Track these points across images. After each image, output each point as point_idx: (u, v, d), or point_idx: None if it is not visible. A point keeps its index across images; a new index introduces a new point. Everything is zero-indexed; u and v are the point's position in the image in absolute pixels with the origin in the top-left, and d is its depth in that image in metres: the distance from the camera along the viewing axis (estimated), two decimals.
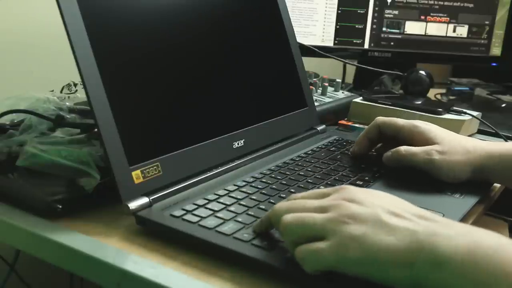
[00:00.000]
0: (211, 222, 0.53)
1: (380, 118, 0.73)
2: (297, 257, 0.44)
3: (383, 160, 0.70)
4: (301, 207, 0.47)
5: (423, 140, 0.68)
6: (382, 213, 0.44)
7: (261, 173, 0.66)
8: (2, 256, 0.79)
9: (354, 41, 1.20)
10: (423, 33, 1.21)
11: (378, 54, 1.21)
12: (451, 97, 1.30)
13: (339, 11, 1.17)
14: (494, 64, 1.26)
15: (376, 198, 0.46)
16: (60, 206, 0.55)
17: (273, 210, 0.49)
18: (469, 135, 0.93)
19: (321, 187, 0.63)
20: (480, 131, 0.95)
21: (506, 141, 0.87)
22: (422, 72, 1.09)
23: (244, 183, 0.62)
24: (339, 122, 0.94)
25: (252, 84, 0.75)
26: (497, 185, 0.72)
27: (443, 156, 0.65)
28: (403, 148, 0.68)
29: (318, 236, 0.44)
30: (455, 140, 0.67)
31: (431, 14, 1.20)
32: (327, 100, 0.96)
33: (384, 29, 1.20)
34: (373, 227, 0.43)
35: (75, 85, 0.79)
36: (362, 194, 0.46)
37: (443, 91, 1.34)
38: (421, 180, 0.68)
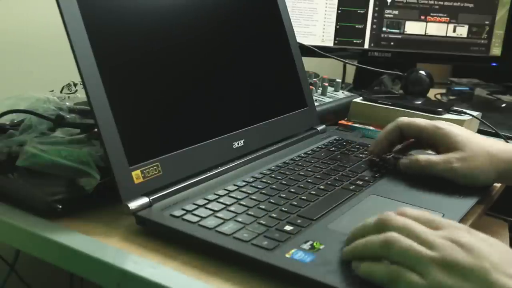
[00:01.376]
0: (211, 222, 0.53)
1: (402, 119, 0.71)
2: (383, 275, 0.43)
3: (400, 166, 0.69)
4: (411, 232, 0.44)
5: (446, 143, 0.66)
6: (491, 270, 0.40)
7: (261, 173, 0.66)
8: (2, 256, 0.79)
9: (354, 41, 1.20)
10: (423, 33, 1.21)
11: (378, 54, 1.21)
12: (451, 97, 1.30)
13: (339, 11, 1.17)
14: (494, 64, 1.26)
15: (487, 248, 0.42)
16: (60, 206, 0.56)
17: (384, 220, 0.46)
18: None
19: (321, 187, 0.63)
20: (480, 131, 0.95)
21: (506, 141, 0.87)
22: (422, 72, 1.09)
23: (244, 183, 0.62)
24: (339, 122, 0.94)
25: (252, 84, 0.75)
26: (497, 185, 0.72)
27: (465, 164, 0.63)
28: (422, 158, 0.66)
29: (415, 269, 0.42)
30: (478, 144, 0.65)
31: (431, 14, 1.20)
32: (327, 100, 0.96)
33: (384, 29, 1.20)
34: (476, 284, 0.39)
35: (75, 85, 0.79)
36: (474, 240, 0.43)
37: (443, 91, 1.34)
38: (421, 180, 0.68)
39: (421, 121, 0.69)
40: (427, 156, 0.67)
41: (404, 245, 0.43)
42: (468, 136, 0.66)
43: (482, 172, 0.64)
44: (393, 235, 0.44)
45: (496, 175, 0.64)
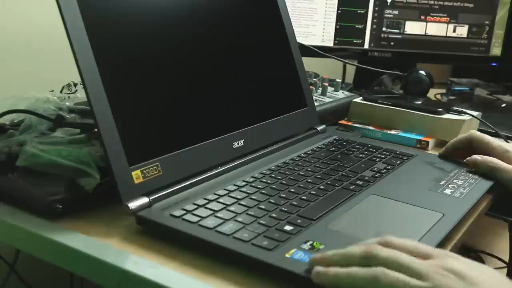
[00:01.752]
0: (211, 222, 0.53)
1: (475, 133, 0.75)
2: None
3: (468, 161, 0.73)
4: (400, 264, 0.43)
5: (509, 159, 0.70)
6: None
7: (261, 173, 0.66)
8: (2, 256, 0.79)
9: (354, 41, 1.19)
10: (423, 33, 1.21)
11: (378, 54, 1.21)
12: (451, 97, 1.30)
13: (339, 11, 1.17)
14: (494, 64, 1.26)
15: (479, 274, 0.42)
16: (60, 206, 0.56)
17: (370, 253, 0.44)
18: None
19: (321, 187, 0.63)
20: (480, 131, 0.95)
21: (506, 141, 0.87)
22: (422, 72, 1.09)
23: (244, 183, 0.62)
24: (339, 122, 0.94)
25: (252, 84, 0.75)
26: (497, 185, 0.72)
27: None
28: (494, 160, 0.70)
29: None
30: None
31: (431, 14, 1.20)
32: (327, 100, 0.96)
33: (384, 29, 1.20)
34: None
35: (75, 85, 0.79)
36: (466, 267, 0.42)
37: (443, 91, 1.34)
38: (421, 180, 0.68)
39: (493, 142, 0.74)
40: (502, 162, 0.70)
41: (392, 279, 0.41)
42: None
43: None
44: (380, 270, 0.42)
45: None
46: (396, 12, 1.19)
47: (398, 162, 0.74)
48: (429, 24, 1.21)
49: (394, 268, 0.42)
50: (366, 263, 0.44)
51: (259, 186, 0.62)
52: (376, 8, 1.19)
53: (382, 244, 0.45)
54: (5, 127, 0.69)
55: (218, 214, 0.54)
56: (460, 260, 0.44)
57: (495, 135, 0.91)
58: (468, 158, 0.74)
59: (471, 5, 1.21)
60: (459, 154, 0.77)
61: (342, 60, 1.14)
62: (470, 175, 0.71)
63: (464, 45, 1.23)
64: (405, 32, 1.21)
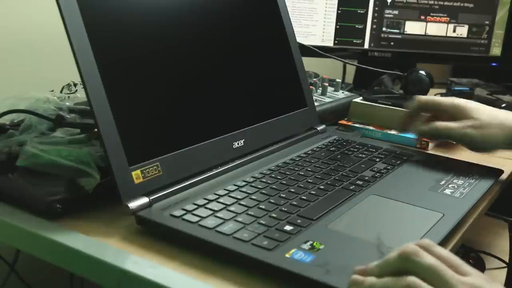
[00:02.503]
0: (211, 222, 0.53)
1: (419, 98, 0.77)
2: None
3: (417, 132, 0.76)
4: (440, 276, 0.41)
5: (462, 114, 0.72)
6: None
7: (261, 173, 0.66)
8: (2, 256, 0.79)
9: (354, 41, 1.19)
10: (423, 33, 1.21)
11: (378, 54, 1.21)
12: None
13: (339, 11, 1.17)
14: (494, 64, 1.26)
15: None
16: (60, 206, 0.56)
17: (410, 254, 0.42)
18: None
19: (321, 187, 0.63)
20: None
21: None
22: (422, 72, 1.09)
23: (244, 183, 0.62)
24: (339, 122, 0.94)
25: (252, 84, 0.75)
26: (497, 185, 0.72)
27: (479, 130, 0.70)
28: (440, 123, 0.72)
29: None
30: (490, 114, 0.71)
31: (431, 14, 1.20)
32: (327, 100, 0.96)
33: (384, 29, 1.20)
34: None
35: (75, 85, 0.79)
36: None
37: (443, 91, 1.34)
38: (421, 180, 0.68)
39: (438, 98, 0.76)
40: (445, 122, 0.72)
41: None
42: (482, 107, 0.72)
43: (494, 138, 0.70)
44: (412, 282, 0.40)
45: (506, 142, 0.70)
46: (396, 12, 1.19)
47: (398, 162, 0.74)
48: (429, 24, 1.21)
49: (431, 278, 0.40)
50: (403, 267, 0.42)
51: (259, 186, 0.62)
52: (376, 8, 1.19)
53: (423, 248, 0.43)
54: (5, 127, 0.69)
55: (218, 214, 0.54)
56: (491, 282, 0.42)
57: None
58: (417, 130, 0.76)
59: (471, 5, 1.21)
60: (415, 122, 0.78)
61: (342, 60, 1.14)
62: (470, 175, 0.71)
63: (464, 45, 1.23)
64: (405, 32, 1.21)
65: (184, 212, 0.54)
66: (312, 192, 0.62)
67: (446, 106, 0.74)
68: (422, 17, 1.20)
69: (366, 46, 1.20)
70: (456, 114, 0.73)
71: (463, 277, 0.41)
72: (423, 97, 0.77)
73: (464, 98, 0.82)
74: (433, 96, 0.77)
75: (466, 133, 0.70)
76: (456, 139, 0.73)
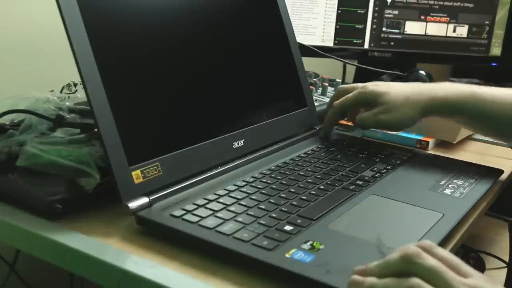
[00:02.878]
0: (211, 222, 0.53)
1: (335, 103, 0.80)
2: None
3: (340, 130, 0.84)
4: (441, 278, 0.40)
5: (372, 102, 0.76)
6: None
7: (261, 173, 0.66)
8: (2, 256, 0.79)
9: (354, 41, 1.19)
10: (423, 33, 1.21)
11: (378, 54, 1.21)
12: None
13: (339, 11, 1.17)
14: (494, 64, 1.26)
15: None
16: (60, 206, 0.56)
17: (411, 256, 0.42)
18: (469, 135, 0.93)
19: (321, 187, 0.63)
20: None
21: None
22: (422, 72, 1.09)
23: (244, 183, 0.62)
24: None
25: (252, 84, 0.75)
26: (497, 185, 0.72)
27: (389, 114, 0.74)
28: (357, 117, 0.78)
29: None
30: (396, 94, 0.75)
31: (431, 14, 1.20)
32: (327, 100, 0.96)
33: (384, 29, 1.20)
34: None
35: (75, 85, 0.79)
36: None
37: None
38: (421, 180, 0.68)
39: (348, 96, 0.79)
40: (359, 114, 0.78)
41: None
42: (389, 90, 0.76)
43: (405, 116, 0.74)
44: (417, 284, 0.40)
45: (417, 114, 0.74)
46: (396, 12, 1.19)
47: (398, 162, 0.74)
48: (429, 24, 1.21)
49: (433, 280, 0.40)
50: (405, 268, 0.41)
51: (259, 186, 0.62)
52: (376, 8, 1.19)
53: (424, 250, 0.42)
54: (5, 127, 0.69)
55: (218, 214, 0.54)
56: (492, 283, 0.42)
57: None
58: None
59: (471, 5, 1.21)
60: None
61: (342, 60, 1.14)
62: (470, 175, 0.71)
63: (464, 45, 1.23)
64: (405, 32, 1.21)
65: (184, 212, 0.54)
66: (312, 192, 0.61)
67: (357, 99, 0.78)
68: (422, 17, 1.20)
69: (366, 46, 1.20)
70: (368, 103, 0.77)
71: (464, 278, 0.41)
72: (337, 102, 0.80)
73: None
74: (345, 97, 0.79)
75: (378, 120, 0.75)
76: (373, 126, 0.78)
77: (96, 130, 0.54)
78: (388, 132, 0.89)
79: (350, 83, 1.28)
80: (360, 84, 0.80)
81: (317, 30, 1.17)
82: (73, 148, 0.61)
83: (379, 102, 0.75)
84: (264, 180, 0.64)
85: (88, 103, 0.53)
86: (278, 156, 0.73)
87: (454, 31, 1.22)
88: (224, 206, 0.56)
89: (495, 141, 0.90)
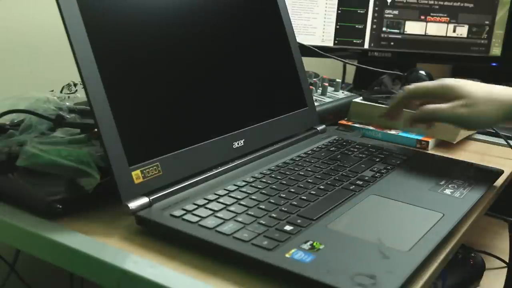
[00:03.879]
0: (211, 222, 0.53)
1: (408, 87, 0.74)
2: None
3: (409, 119, 0.73)
4: None
5: (452, 95, 0.70)
6: None
7: (261, 173, 0.66)
8: (2, 256, 0.79)
9: (354, 41, 1.19)
10: (423, 33, 1.21)
11: (378, 54, 1.21)
12: None
13: (339, 11, 1.17)
14: (494, 64, 1.26)
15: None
16: (60, 206, 0.56)
17: None
18: (469, 135, 0.93)
19: (321, 187, 0.63)
20: (480, 131, 0.95)
21: (506, 141, 0.87)
22: (422, 72, 1.08)
23: (244, 183, 0.62)
24: (339, 122, 0.94)
25: (252, 84, 0.75)
26: (497, 185, 0.72)
27: (469, 109, 0.68)
28: (429, 106, 0.71)
29: None
30: (480, 90, 0.70)
31: (431, 14, 1.20)
32: (327, 100, 0.96)
33: (384, 29, 1.20)
34: None
35: (75, 85, 0.79)
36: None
37: None
38: (421, 180, 0.68)
39: (427, 83, 0.74)
40: (434, 105, 0.71)
41: None
42: (470, 85, 0.71)
43: (485, 115, 0.68)
44: None
45: (498, 116, 0.69)
46: (396, 12, 1.19)
47: (398, 162, 0.74)
48: (429, 24, 1.21)
49: None
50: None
51: (259, 186, 0.62)
52: (376, 8, 1.19)
53: None
54: (5, 127, 0.69)
55: (218, 214, 0.54)
56: None
57: (495, 135, 0.91)
58: (408, 118, 0.74)
59: (471, 5, 1.21)
60: (407, 106, 0.77)
61: (342, 60, 1.14)
62: (470, 175, 0.71)
63: (464, 45, 1.23)
64: (405, 32, 1.21)
65: (184, 212, 0.54)
66: (312, 192, 0.62)
67: (434, 89, 0.72)
68: (422, 17, 1.20)
69: (366, 46, 1.20)
70: (446, 96, 0.71)
71: None
72: (412, 86, 0.74)
73: None
74: (422, 83, 0.74)
75: (456, 113, 0.69)
76: (447, 120, 0.70)
77: (96, 130, 0.54)
78: (388, 132, 0.89)
79: (350, 83, 1.29)
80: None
81: (317, 30, 1.18)
82: (73, 148, 0.61)
83: (460, 95, 0.69)
84: (264, 180, 0.64)
85: (88, 103, 0.53)
86: (278, 156, 0.73)
87: (454, 31, 1.22)
88: (224, 206, 0.56)
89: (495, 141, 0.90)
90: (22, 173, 0.60)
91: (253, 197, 0.59)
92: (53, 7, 0.52)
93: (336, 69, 1.33)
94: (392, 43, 1.21)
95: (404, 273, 0.46)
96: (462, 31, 1.22)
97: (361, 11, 1.18)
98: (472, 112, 0.68)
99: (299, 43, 0.86)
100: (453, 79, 0.72)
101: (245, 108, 0.73)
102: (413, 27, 1.21)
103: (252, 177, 0.65)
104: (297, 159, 0.72)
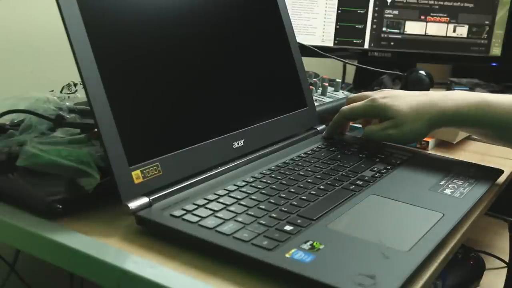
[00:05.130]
0: (211, 222, 0.53)
1: (343, 110, 0.81)
2: None
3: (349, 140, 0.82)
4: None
5: (382, 115, 0.76)
6: None
7: (261, 173, 0.66)
8: (2, 256, 0.79)
9: (354, 41, 1.20)
10: (423, 33, 1.21)
11: (378, 54, 1.21)
12: None
13: (339, 11, 1.17)
14: (494, 64, 1.26)
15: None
16: (60, 206, 0.56)
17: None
18: (469, 135, 0.93)
19: (321, 187, 0.63)
20: None
21: None
22: (422, 72, 1.09)
23: (244, 183, 0.62)
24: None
25: (252, 84, 0.75)
26: (497, 185, 0.72)
27: (398, 129, 0.74)
28: (365, 129, 0.79)
29: None
30: (406, 108, 0.74)
31: (431, 14, 1.20)
32: (327, 100, 0.96)
33: (384, 29, 1.20)
34: None
35: (75, 85, 0.79)
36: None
37: (443, 91, 1.34)
38: (421, 180, 0.68)
39: (360, 104, 0.79)
40: (369, 126, 0.79)
41: None
42: (398, 103, 0.75)
43: (412, 132, 0.74)
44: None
45: (426, 128, 0.74)
46: (396, 12, 1.19)
47: (398, 162, 0.74)
48: (429, 24, 1.21)
49: None
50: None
51: (259, 186, 0.62)
52: (376, 8, 1.19)
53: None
54: (5, 127, 0.69)
55: (218, 214, 0.54)
56: None
57: None
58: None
59: (471, 5, 1.21)
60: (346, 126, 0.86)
61: (342, 60, 1.14)
62: (470, 175, 0.71)
63: (464, 45, 1.23)
64: (405, 32, 1.21)
65: (184, 212, 0.54)
66: (312, 192, 0.62)
67: (366, 111, 0.78)
68: (422, 17, 1.20)
69: (366, 46, 1.20)
70: (379, 115, 0.77)
71: None
72: (347, 109, 0.80)
73: None
74: (354, 105, 0.79)
75: (386, 135, 0.75)
76: (382, 140, 0.77)
77: (96, 130, 0.54)
78: None
79: (350, 83, 1.29)
80: (369, 93, 0.80)
81: (317, 30, 1.18)
82: (73, 148, 0.61)
83: (388, 116, 0.75)
84: (264, 180, 0.64)
85: (88, 103, 0.53)
86: (278, 156, 0.73)
87: (454, 31, 1.22)
88: (224, 206, 0.56)
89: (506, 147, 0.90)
90: (22, 173, 0.60)
91: (253, 197, 0.59)
92: (53, 7, 0.52)
93: (336, 69, 1.33)
94: (392, 43, 1.21)
95: (404, 273, 0.46)
96: (462, 31, 1.22)
97: (361, 11, 1.18)
98: (400, 131, 0.74)
99: (299, 43, 0.86)
100: (381, 96, 0.77)
101: (245, 108, 0.73)
102: (413, 27, 1.21)
103: (252, 177, 0.65)
104: (297, 159, 0.72)
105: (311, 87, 0.91)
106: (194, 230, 0.51)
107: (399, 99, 0.76)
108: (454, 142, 0.88)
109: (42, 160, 0.58)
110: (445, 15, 1.21)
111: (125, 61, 0.58)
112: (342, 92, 1.02)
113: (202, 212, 0.55)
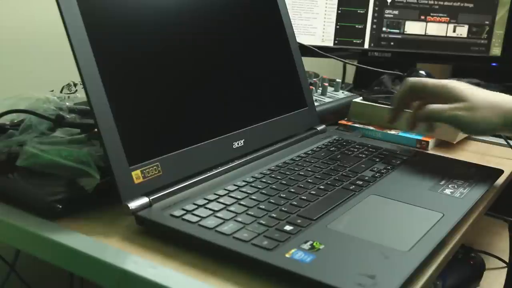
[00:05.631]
0: (211, 222, 0.53)
1: (410, 80, 0.74)
2: None
3: (411, 118, 0.73)
4: None
5: (452, 97, 0.69)
6: None
7: (261, 173, 0.66)
8: (2, 256, 0.79)
9: (354, 41, 1.19)
10: (423, 33, 1.21)
11: (378, 54, 1.21)
12: None
13: (339, 11, 1.17)
14: (494, 64, 1.26)
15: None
16: (60, 206, 0.56)
17: None
18: (469, 135, 0.93)
19: (321, 187, 0.63)
20: None
21: (506, 141, 0.87)
22: (422, 72, 1.08)
23: (244, 183, 0.62)
24: (339, 122, 0.94)
25: (252, 84, 0.75)
26: (497, 185, 0.72)
27: (469, 113, 0.67)
28: (428, 107, 0.70)
29: None
30: (481, 96, 0.69)
31: (431, 14, 1.20)
32: (327, 100, 0.96)
33: (384, 29, 1.20)
34: None
35: (75, 85, 0.79)
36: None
37: None
38: (421, 180, 0.68)
39: (429, 80, 0.72)
40: (435, 105, 0.70)
41: None
42: (472, 89, 0.70)
43: (484, 121, 0.67)
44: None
45: (499, 124, 0.68)
46: (396, 12, 1.19)
47: (398, 162, 0.74)
48: (429, 24, 1.21)
49: None
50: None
51: (259, 186, 0.62)
52: (376, 8, 1.19)
53: None
54: (5, 127, 0.69)
55: (218, 214, 0.54)
56: None
57: (495, 135, 0.91)
58: (406, 120, 0.74)
59: (471, 5, 1.21)
60: (409, 105, 0.76)
61: (342, 60, 1.14)
62: (470, 175, 0.71)
63: (464, 45, 1.23)
64: (405, 32, 1.21)
65: (184, 212, 0.54)
66: (312, 192, 0.62)
67: (435, 88, 0.71)
68: (422, 17, 1.20)
69: (366, 46, 1.20)
70: (447, 97, 0.70)
71: None
72: (413, 80, 0.73)
73: None
74: (423, 79, 0.73)
75: (456, 115, 0.68)
76: (446, 121, 0.69)
77: (96, 130, 0.54)
78: (388, 132, 0.89)
79: (350, 83, 1.29)
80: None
81: (317, 30, 1.17)
82: (73, 148, 0.61)
83: (460, 97, 0.68)
84: (264, 180, 0.64)
85: (88, 103, 0.53)
86: (278, 156, 0.73)
87: (454, 31, 1.22)
88: (224, 206, 0.56)
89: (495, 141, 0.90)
90: (22, 173, 0.60)
91: (253, 197, 0.59)
92: (53, 7, 0.52)
93: (336, 69, 1.33)
94: (392, 43, 1.21)
95: (404, 273, 0.46)
96: (462, 31, 1.22)
97: (361, 11, 1.18)
98: (473, 116, 0.67)
99: (299, 43, 0.86)
100: (456, 81, 0.71)
101: (245, 108, 0.73)
102: (413, 27, 1.21)
103: (252, 177, 0.65)
104: (297, 159, 0.72)
105: (311, 87, 0.91)
106: (194, 230, 0.51)
107: (472, 86, 0.71)
108: (454, 142, 0.88)
109: (42, 160, 0.59)
110: (445, 15, 1.21)
111: (125, 61, 0.58)
112: (342, 92, 1.02)
113: (202, 212, 0.55)
